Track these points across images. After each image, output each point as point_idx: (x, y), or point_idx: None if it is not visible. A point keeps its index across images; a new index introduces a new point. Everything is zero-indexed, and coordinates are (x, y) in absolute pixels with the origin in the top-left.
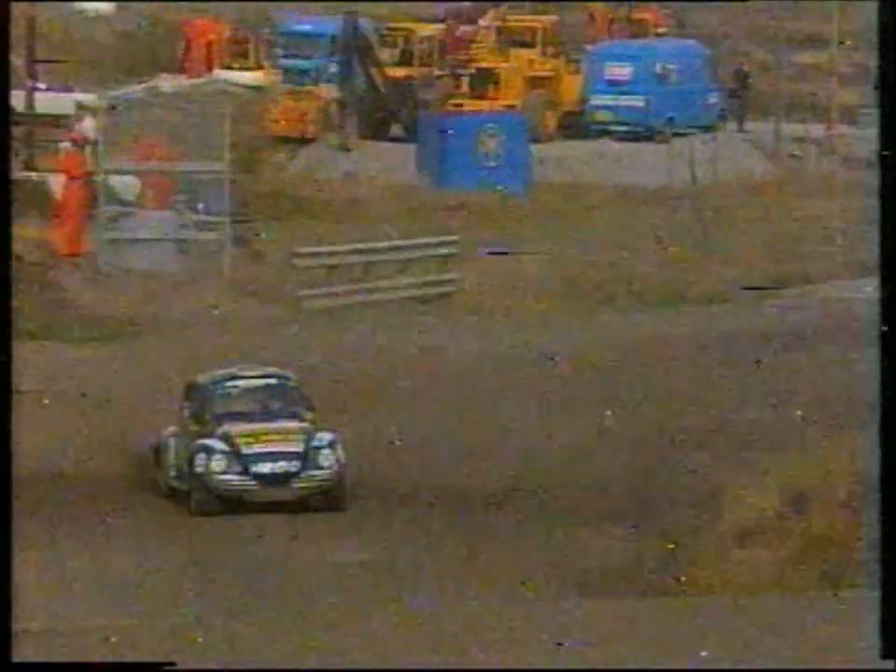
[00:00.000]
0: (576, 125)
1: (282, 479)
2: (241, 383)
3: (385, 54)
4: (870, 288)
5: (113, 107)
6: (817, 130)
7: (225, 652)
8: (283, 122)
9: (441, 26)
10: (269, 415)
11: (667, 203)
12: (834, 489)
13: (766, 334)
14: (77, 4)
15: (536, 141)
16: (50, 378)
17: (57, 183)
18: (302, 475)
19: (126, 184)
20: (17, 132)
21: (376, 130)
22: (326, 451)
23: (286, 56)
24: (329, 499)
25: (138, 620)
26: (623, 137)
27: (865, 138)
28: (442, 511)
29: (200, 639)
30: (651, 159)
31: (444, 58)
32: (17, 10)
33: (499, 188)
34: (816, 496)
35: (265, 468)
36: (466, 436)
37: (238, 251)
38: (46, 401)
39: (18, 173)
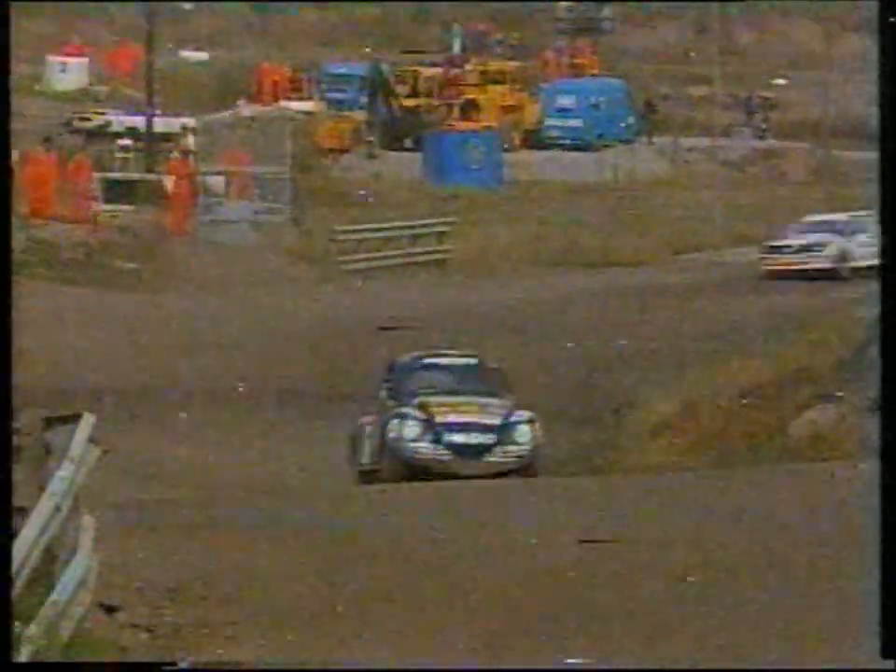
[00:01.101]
0: (535, 140)
1: (475, 451)
2: (441, 360)
3: (399, 89)
4: (739, 256)
5: (207, 127)
6: (703, 142)
7: None
8: (327, 138)
9: (440, 70)
10: (467, 392)
11: (598, 194)
12: (718, 398)
13: (670, 287)
14: (182, 52)
15: (507, 151)
16: (170, 319)
17: (169, 182)
18: (496, 449)
19: (217, 182)
20: (140, 145)
21: (394, 143)
22: (524, 427)
23: (329, 91)
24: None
25: None
26: (568, 148)
27: (737, 148)
28: None
29: None
30: (587, 163)
31: (442, 92)
32: (141, 58)
33: (481, 183)
34: (705, 403)
35: (459, 438)
36: None
37: (296, 229)
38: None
39: (142, 174)
